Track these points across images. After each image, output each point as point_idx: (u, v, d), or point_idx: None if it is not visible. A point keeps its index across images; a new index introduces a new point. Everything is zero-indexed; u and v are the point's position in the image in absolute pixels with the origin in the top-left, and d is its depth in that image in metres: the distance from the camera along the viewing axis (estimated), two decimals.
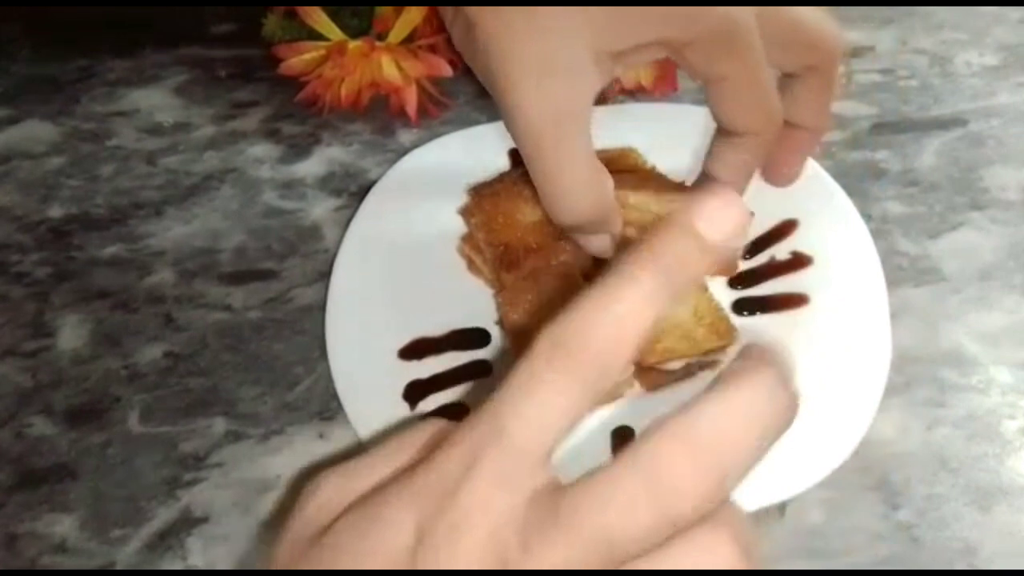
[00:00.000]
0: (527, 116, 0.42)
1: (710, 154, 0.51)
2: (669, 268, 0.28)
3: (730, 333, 0.48)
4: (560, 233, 0.52)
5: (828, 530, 0.46)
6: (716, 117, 0.48)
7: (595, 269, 0.51)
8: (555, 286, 0.50)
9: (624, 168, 0.55)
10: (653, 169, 0.56)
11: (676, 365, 0.48)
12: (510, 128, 0.43)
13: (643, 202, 0.51)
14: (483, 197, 0.54)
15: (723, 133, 0.49)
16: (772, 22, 0.45)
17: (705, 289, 0.50)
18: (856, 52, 0.71)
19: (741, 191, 0.50)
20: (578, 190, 0.44)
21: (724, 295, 0.53)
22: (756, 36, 0.43)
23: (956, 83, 0.68)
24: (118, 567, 0.47)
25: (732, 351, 0.50)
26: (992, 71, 0.69)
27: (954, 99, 0.67)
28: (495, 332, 0.53)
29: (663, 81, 0.66)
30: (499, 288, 0.52)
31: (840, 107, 0.66)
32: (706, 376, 0.50)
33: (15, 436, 0.52)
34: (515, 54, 0.41)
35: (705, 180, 0.51)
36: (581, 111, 0.42)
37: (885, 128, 0.65)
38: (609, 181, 0.45)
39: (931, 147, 0.64)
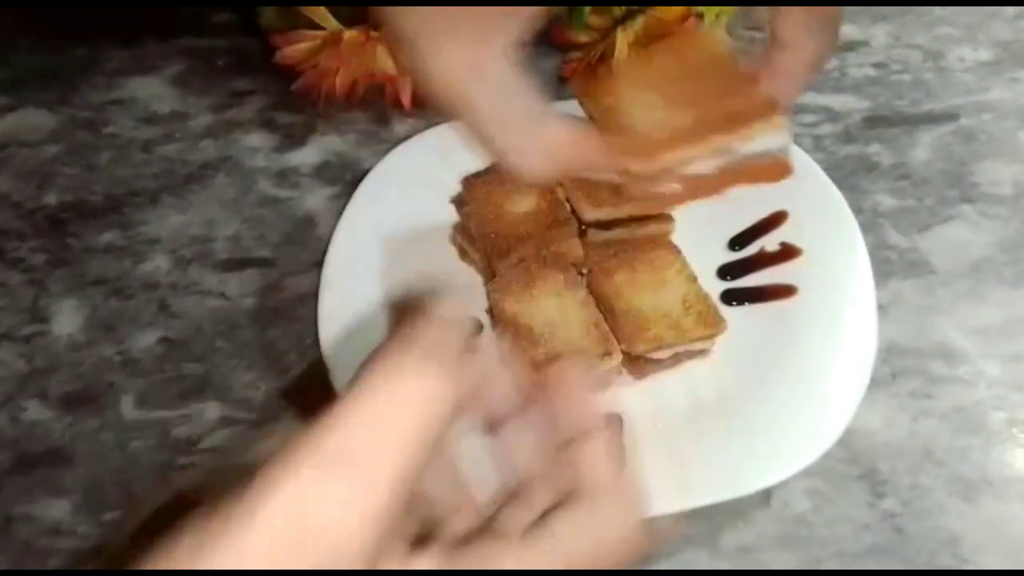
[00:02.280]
0: (433, 77, 0.36)
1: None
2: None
3: (717, 323, 0.49)
4: (552, 223, 0.52)
5: (813, 519, 0.47)
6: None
7: (588, 258, 0.52)
8: (546, 275, 0.50)
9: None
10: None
11: (664, 354, 0.49)
12: (431, 96, 0.37)
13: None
14: (476, 187, 0.55)
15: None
16: None
17: (694, 279, 0.51)
18: (849, 46, 0.71)
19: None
20: (522, 149, 0.38)
21: (713, 285, 0.53)
22: None
23: (949, 78, 0.68)
24: (110, 550, 0.47)
25: (719, 340, 0.50)
26: (985, 66, 0.69)
27: (947, 94, 0.67)
28: (487, 320, 0.53)
29: None
30: (490, 277, 0.52)
31: (833, 101, 0.67)
32: (692, 365, 0.50)
33: (10, 420, 0.53)
34: (415, 20, 0.35)
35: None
36: (490, 65, 0.36)
37: (877, 122, 0.65)
38: (569, 132, 0.38)
39: (923, 141, 0.64)
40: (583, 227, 0.53)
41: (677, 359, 0.49)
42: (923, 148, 0.63)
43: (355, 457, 0.27)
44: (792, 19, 0.39)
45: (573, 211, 0.54)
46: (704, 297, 0.50)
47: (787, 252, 0.54)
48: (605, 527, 0.33)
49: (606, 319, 0.49)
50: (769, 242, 0.55)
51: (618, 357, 0.47)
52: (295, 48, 0.67)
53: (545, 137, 0.38)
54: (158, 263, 0.60)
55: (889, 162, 0.63)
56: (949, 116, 0.66)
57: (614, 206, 0.53)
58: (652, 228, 0.53)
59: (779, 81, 0.40)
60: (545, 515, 0.33)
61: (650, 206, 0.49)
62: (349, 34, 0.65)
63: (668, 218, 0.53)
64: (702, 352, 0.50)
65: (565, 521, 0.32)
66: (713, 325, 0.48)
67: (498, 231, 0.52)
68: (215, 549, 0.25)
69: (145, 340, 0.56)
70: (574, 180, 0.54)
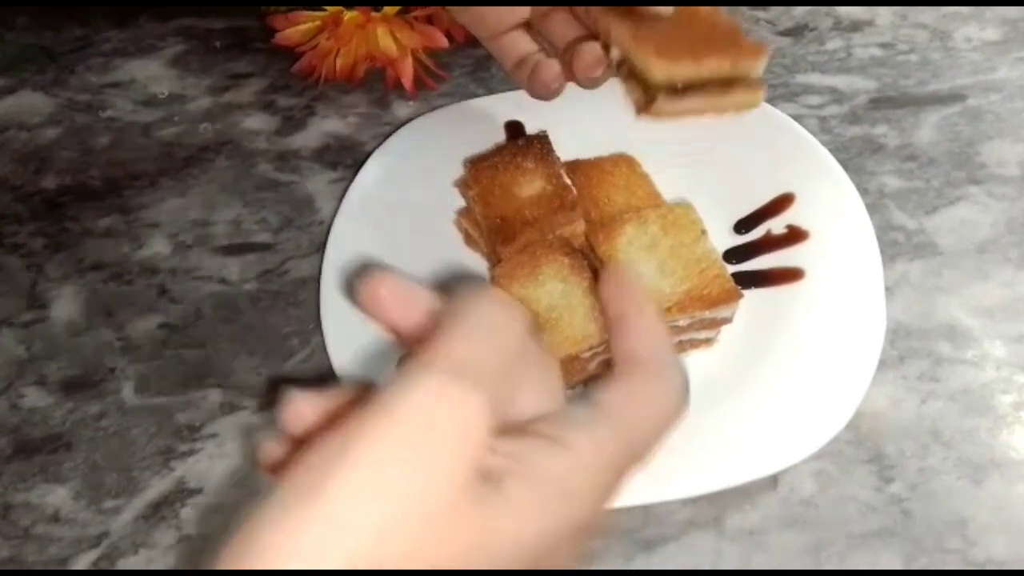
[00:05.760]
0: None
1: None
2: None
3: (732, 295, 0.48)
4: (558, 207, 0.51)
5: (820, 502, 0.46)
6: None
7: (589, 244, 0.51)
8: (551, 260, 0.50)
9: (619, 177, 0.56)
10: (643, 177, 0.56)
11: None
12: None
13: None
14: (480, 170, 0.54)
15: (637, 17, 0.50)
16: None
17: (713, 251, 0.49)
18: (856, 26, 0.71)
19: None
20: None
21: None
22: None
23: (956, 58, 0.68)
24: (112, 537, 0.47)
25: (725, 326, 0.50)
26: (992, 46, 0.68)
27: (953, 74, 0.66)
28: None
29: None
30: (495, 261, 0.52)
31: (838, 82, 0.66)
32: (698, 352, 0.50)
33: (10, 407, 0.52)
34: None
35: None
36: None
37: (884, 103, 0.65)
38: None
39: (930, 122, 0.63)
40: (649, 94, 0.46)
41: (682, 347, 0.49)
42: (930, 129, 0.63)
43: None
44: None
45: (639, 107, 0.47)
46: (720, 264, 0.49)
47: (794, 235, 0.54)
48: (660, 395, 0.33)
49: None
50: (776, 225, 0.54)
51: None
52: (294, 29, 0.66)
53: None
54: (158, 248, 0.59)
55: (896, 143, 0.62)
56: (956, 96, 0.65)
57: (695, 61, 0.45)
58: (738, 97, 0.47)
59: None
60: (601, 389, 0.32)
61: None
62: (348, 15, 0.64)
63: (757, 84, 0.47)
64: (708, 341, 0.50)
65: (620, 392, 0.32)
66: (728, 296, 0.47)
67: (503, 215, 0.51)
68: None
69: (145, 325, 0.55)
70: (642, 32, 0.47)
